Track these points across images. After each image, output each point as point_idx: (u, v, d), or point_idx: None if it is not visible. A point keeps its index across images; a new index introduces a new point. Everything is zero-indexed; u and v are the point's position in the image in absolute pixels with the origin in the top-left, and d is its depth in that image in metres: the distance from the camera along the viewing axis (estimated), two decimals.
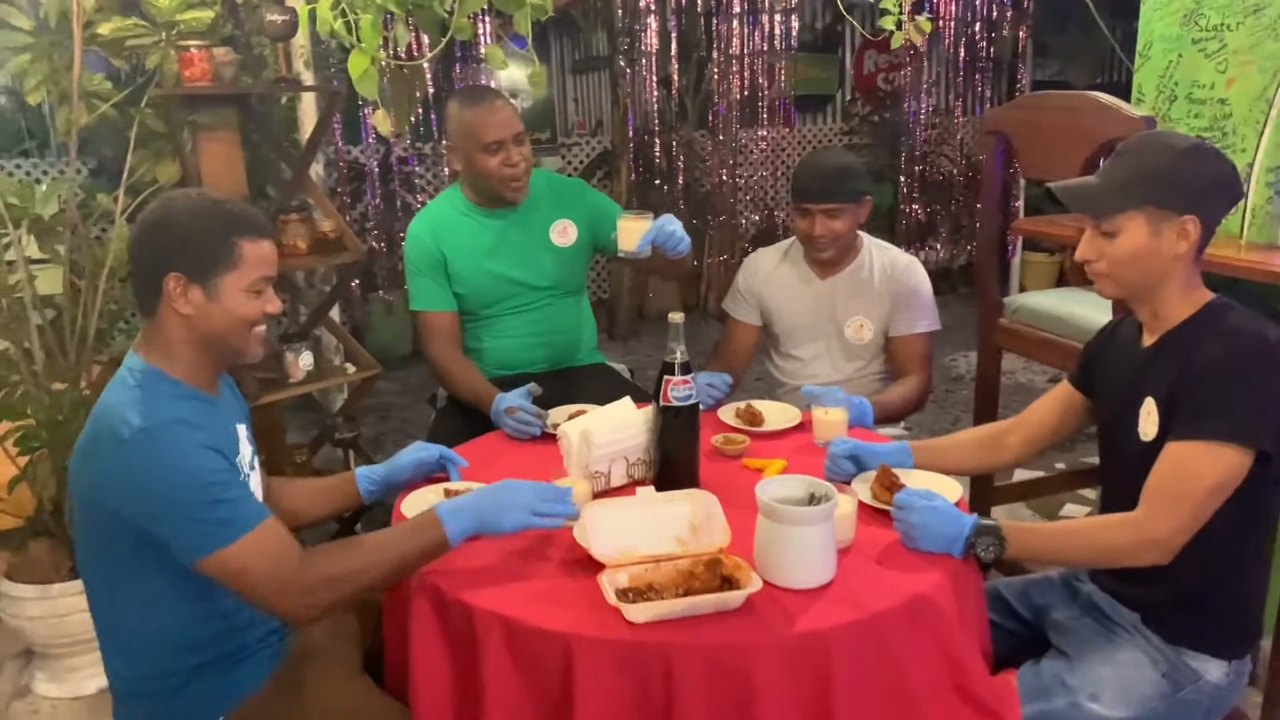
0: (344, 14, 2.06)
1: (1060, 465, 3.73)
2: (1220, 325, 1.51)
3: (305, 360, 2.70)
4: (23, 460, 2.41)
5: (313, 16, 2.07)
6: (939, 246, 6.77)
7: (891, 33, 2.57)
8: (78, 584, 2.44)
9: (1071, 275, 2.95)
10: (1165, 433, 1.50)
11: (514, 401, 2.09)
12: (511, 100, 2.36)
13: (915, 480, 1.73)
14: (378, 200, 5.26)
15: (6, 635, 2.67)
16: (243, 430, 1.60)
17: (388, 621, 1.68)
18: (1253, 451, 1.44)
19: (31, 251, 2.50)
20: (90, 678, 2.53)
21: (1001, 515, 3.00)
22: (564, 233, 2.48)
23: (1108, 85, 6.73)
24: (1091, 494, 3.46)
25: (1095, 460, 3.52)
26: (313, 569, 1.39)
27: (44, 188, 2.41)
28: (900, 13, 2.46)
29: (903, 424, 2.61)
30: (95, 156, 4.04)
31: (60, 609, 2.44)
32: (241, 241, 1.46)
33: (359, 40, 2.00)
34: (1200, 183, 1.50)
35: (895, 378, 2.48)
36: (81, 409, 2.42)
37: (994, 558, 1.49)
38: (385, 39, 2.34)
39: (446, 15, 2.12)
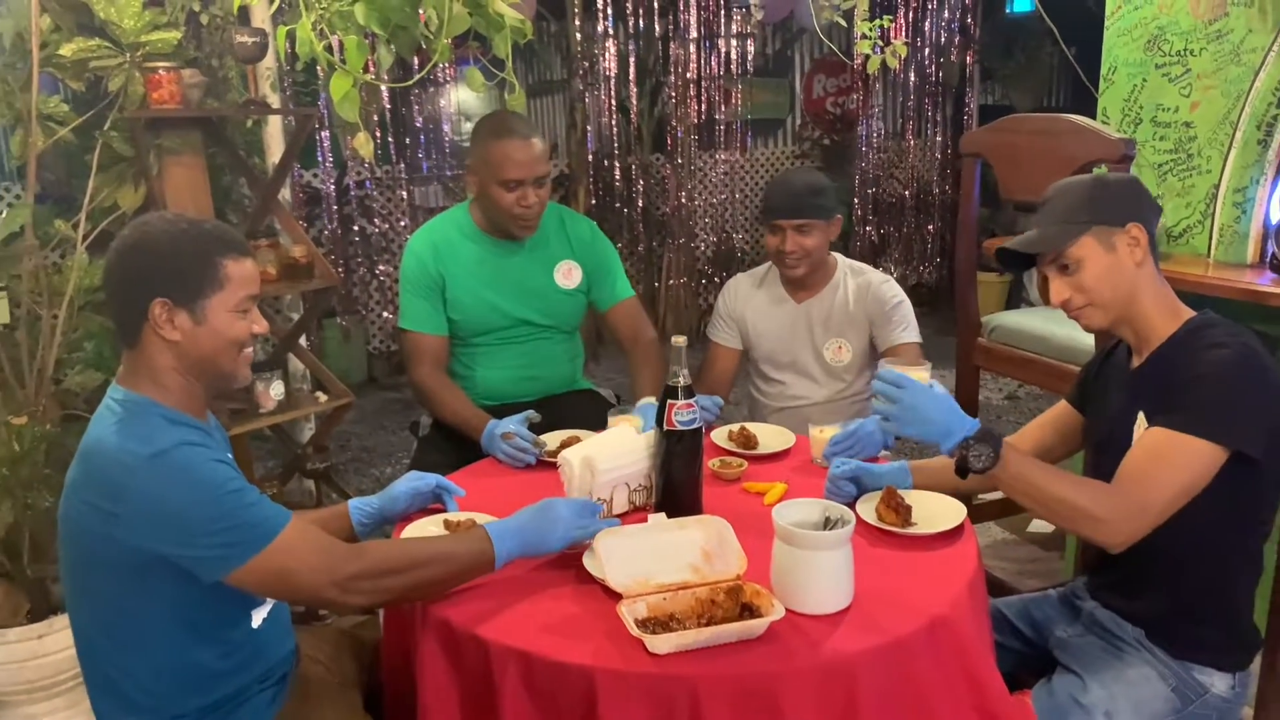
0: (323, 35, 2.02)
1: None
2: (1205, 337, 1.55)
3: (276, 390, 2.62)
4: None
5: (291, 38, 2.02)
6: (892, 267, 6.88)
7: (865, 57, 2.60)
8: (38, 628, 2.33)
9: (1037, 293, 3.00)
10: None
11: (510, 427, 2.05)
12: (536, 136, 2.29)
13: (917, 500, 1.73)
14: (334, 225, 5.17)
15: None
16: (230, 459, 1.54)
17: (388, 660, 1.63)
18: (1226, 451, 1.46)
19: None
20: None
21: (976, 531, 3.02)
22: (568, 274, 2.44)
23: (1050, 109, 6.93)
24: None
25: None
26: (364, 559, 1.39)
27: (4, 215, 2.31)
28: (876, 37, 2.49)
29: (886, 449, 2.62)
30: (40, 181, 3.90)
31: (19, 654, 2.32)
32: (225, 261, 1.42)
33: (343, 62, 1.95)
34: (1124, 194, 1.59)
35: None
36: (42, 444, 2.32)
37: (983, 468, 1.46)
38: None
39: (431, 36, 2.08)
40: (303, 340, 3.03)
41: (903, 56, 2.55)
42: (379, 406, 5.31)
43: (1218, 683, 1.56)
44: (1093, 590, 1.74)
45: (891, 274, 6.82)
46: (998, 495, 3.23)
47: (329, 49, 2.02)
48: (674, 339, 1.70)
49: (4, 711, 2.42)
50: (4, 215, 2.35)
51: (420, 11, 2.12)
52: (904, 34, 5.98)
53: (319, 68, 1.96)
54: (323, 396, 2.80)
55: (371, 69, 2.42)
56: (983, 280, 6.50)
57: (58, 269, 2.62)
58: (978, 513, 3.01)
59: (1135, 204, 1.58)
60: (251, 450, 3.46)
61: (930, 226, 6.91)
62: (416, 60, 4.44)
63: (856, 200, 6.69)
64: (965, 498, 2.79)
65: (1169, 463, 1.47)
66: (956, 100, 6.84)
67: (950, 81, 6.61)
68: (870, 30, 2.51)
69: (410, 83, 2.19)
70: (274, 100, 3.00)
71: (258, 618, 1.47)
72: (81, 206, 2.55)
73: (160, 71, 2.39)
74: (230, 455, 1.54)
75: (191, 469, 1.33)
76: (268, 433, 3.23)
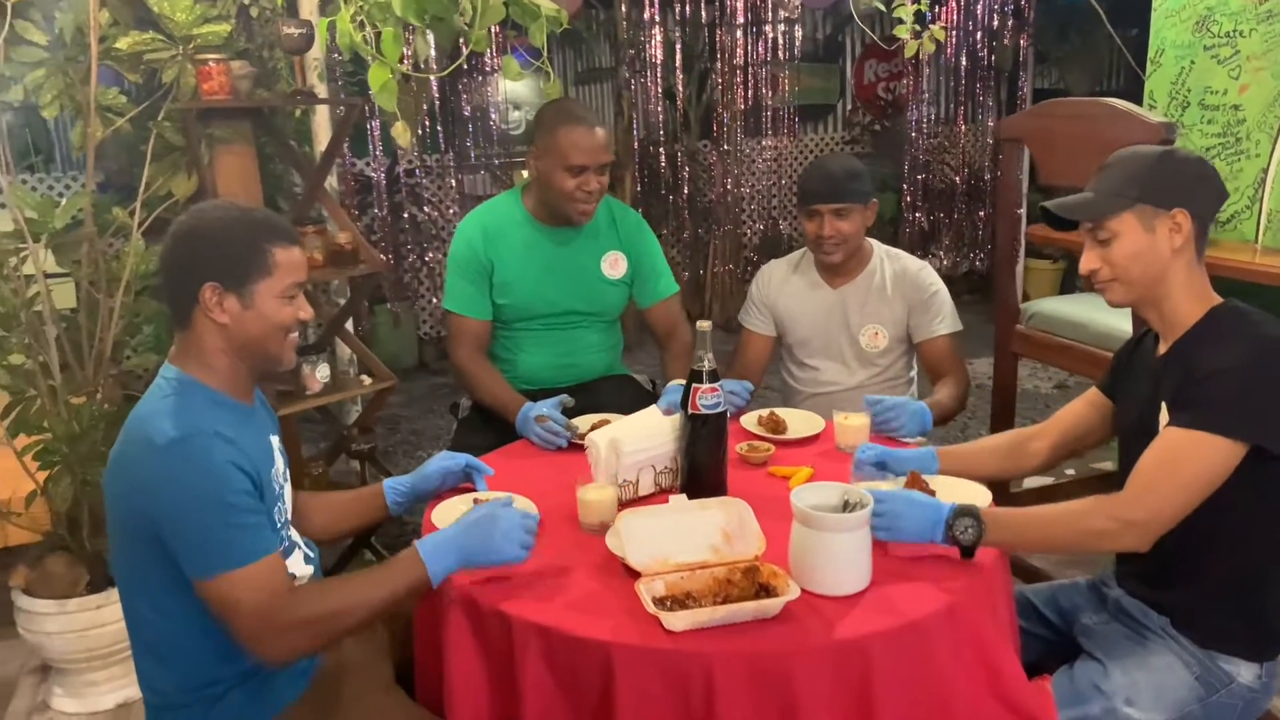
0: (363, 26, 2.07)
1: (1070, 471, 3.73)
2: (1227, 326, 1.55)
3: (322, 372, 2.70)
4: (40, 475, 2.41)
5: (332, 29, 2.08)
6: (942, 255, 6.80)
7: (904, 41, 2.58)
8: (96, 599, 2.43)
9: (1083, 281, 2.94)
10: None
11: (544, 411, 2.09)
12: (602, 126, 2.35)
13: (942, 486, 1.73)
14: (384, 213, 5.26)
15: (24, 650, 2.66)
16: (275, 442, 1.60)
17: (419, 633, 1.67)
18: (1244, 446, 1.45)
19: (48, 266, 2.50)
20: (108, 692, 2.52)
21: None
22: (614, 265, 2.47)
23: (1107, 92, 6.76)
24: None
25: (1106, 466, 3.56)
26: (294, 609, 1.38)
27: (64, 202, 2.41)
28: (916, 21, 2.47)
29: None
30: (102, 170, 4.04)
31: (78, 624, 2.43)
32: (273, 248, 1.48)
33: (380, 53, 2.00)
34: (1181, 177, 1.56)
35: (932, 382, 2.48)
36: (100, 423, 2.42)
37: (973, 540, 1.48)
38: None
39: (466, 28, 2.12)
40: (349, 325, 3.10)
41: (941, 40, 2.53)
42: (427, 391, 5.40)
43: (1244, 672, 1.55)
44: (1120, 578, 1.73)
45: (941, 261, 6.80)
46: (1033, 484, 3.20)
47: (369, 40, 2.08)
48: (699, 323, 1.72)
49: (65, 678, 2.54)
50: (63, 203, 2.44)
51: (458, 2, 2.16)
52: (955, 17, 5.89)
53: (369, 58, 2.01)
54: (367, 379, 2.87)
55: (417, 59, 2.48)
56: (1035, 267, 6.40)
57: (116, 255, 2.72)
58: (1019, 501, 2.99)
59: (1191, 188, 1.56)
60: (302, 431, 3.56)
61: (982, 213, 6.80)
62: (465, 49, 4.50)
63: (906, 187, 6.62)
64: (1003, 485, 2.79)
65: (1182, 464, 1.47)
66: (1010, 84, 6.71)
67: (1003, 65, 6.48)
68: (908, 14, 2.49)
69: (446, 72, 2.22)
70: (321, 90, 3.07)
71: None
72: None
73: (210, 63, 2.47)
74: (275, 437, 1.60)
75: (205, 465, 1.36)
76: (317, 414, 3.32)
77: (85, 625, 2.43)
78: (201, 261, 1.45)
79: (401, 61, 2.32)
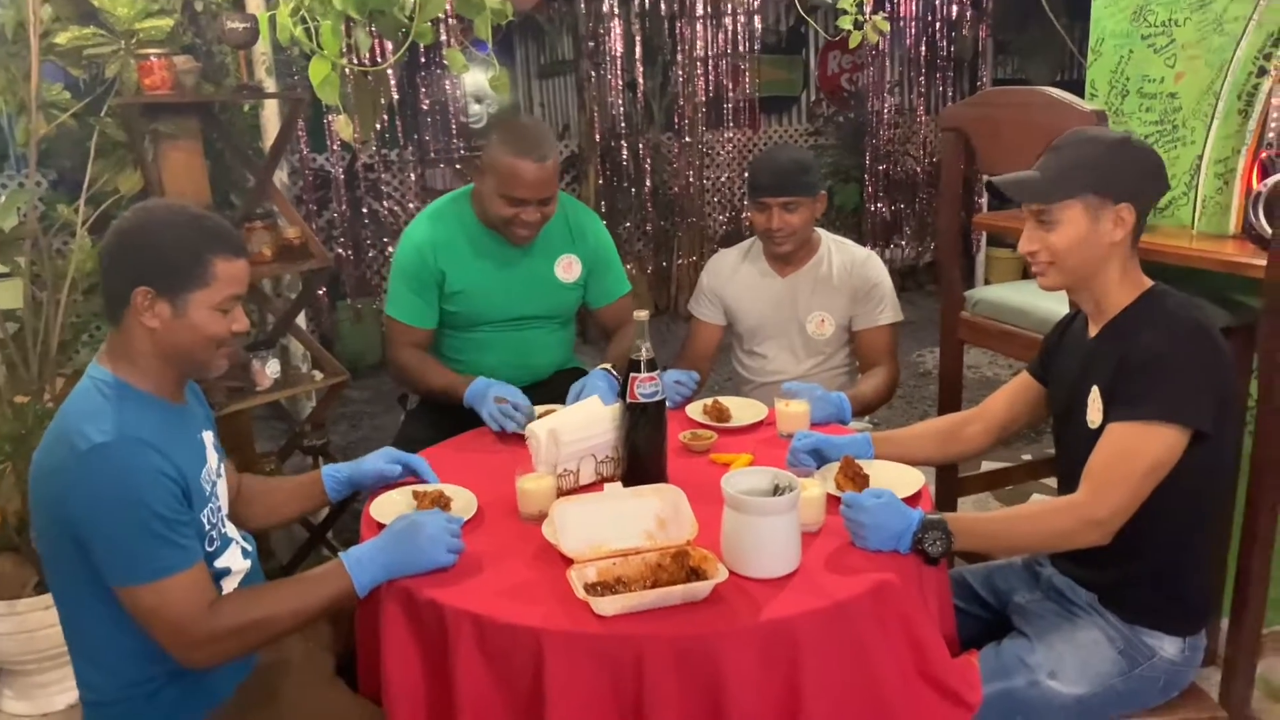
0: (304, 20, 2.07)
1: (1026, 456, 3.79)
2: (1157, 312, 1.58)
3: (272, 368, 2.68)
4: None
5: (273, 23, 2.07)
6: (904, 244, 6.85)
7: (849, 32, 2.61)
8: (45, 599, 2.41)
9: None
10: (1107, 418, 1.55)
11: (505, 392, 2.08)
12: (553, 156, 2.23)
13: (877, 471, 1.76)
14: (344, 208, 5.24)
15: None
16: (209, 438, 1.60)
17: (360, 624, 1.68)
18: (1188, 431, 1.49)
19: None
20: (59, 694, 2.51)
21: (968, 505, 3.04)
22: (568, 268, 2.43)
23: (1067, 82, 6.83)
24: (1054, 483, 3.52)
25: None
26: (214, 622, 1.39)
27: (2, 200, 2.39)
28: (858, 12, 2.49)
29: (868, 419, 2.64)
30: (55, 168, 3.99)
31: (28, 624, 2.41)
32: (215, 259, 1.45)
33: (319, 46, 2.00)
34: (1133, 172, 1.58)
35: (862, 371, 2.52)
36: (45, 422, 2.40)
37: (941, 552, 1.49)
38: (349, 45, 2.34)
39: (407, 21, 2.12)
40: (301, 320, 3.09)
41: (885, 31, 2.55)
42: (392, 387, 5.38)
43: (1167, 646, 1.59)
44: (1053, 557, 1.77)
45: (904, 251, 6.84)
46: (989, 468, 3.25)
47: (309, 33, 2.07)
48: (636, 313, 1.74)
49: (15, 680, 2.52)
50: (2, 200, 2.42)
51: None
52: (914, 7, 5.93)
53: None
54: (319, 375, 2.86)
55: (366, 53, 2.46)
56: (997, 256, 6.47)
57: (61, 254, 2.70)
58: (969, 485, 3.02)
59: (1139, 181, 1.58)
60: (259, 429, 3.55)
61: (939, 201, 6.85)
62: (423, 46, 4.46)
63: (868, 177, 6.66)
64: (951, 469, 2.83)
65: (1135, 457, 1.50)
66: (971, 74, 6.77)
67: (964, 55, 6.54)
68: (851, 5, 2.51)
69: (385, 66, 2.22)
70: (270, 85, 3.05)
71: (227, 587, 1.53)
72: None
73: (152, 58, 2.45)
74: (208, 433, 1.60)
75: (130, 473, 1.35)
76: (268, 411, 3.31)
77: (34, 626, 2.41)
78: (137, 263, 1.42)
79: (351, 56, 2.31)
